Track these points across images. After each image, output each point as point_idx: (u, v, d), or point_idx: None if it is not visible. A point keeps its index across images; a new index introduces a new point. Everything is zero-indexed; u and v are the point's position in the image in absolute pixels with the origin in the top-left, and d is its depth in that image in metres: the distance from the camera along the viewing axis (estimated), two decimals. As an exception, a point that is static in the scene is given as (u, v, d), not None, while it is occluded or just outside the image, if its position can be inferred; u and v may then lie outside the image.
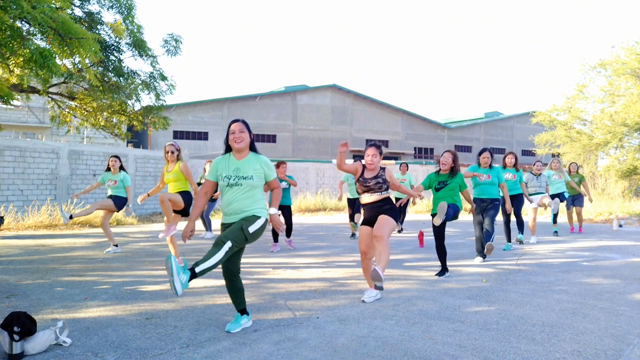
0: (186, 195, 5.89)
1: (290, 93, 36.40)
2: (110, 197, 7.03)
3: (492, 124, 44.60)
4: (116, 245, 7.15)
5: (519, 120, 44.65)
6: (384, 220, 4.24)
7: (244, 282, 5.02)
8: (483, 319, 3.69)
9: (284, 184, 7.38)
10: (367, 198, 4.37)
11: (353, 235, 8.92)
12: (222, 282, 4.96)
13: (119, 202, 7.06)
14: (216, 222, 11.12)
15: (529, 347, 3.09)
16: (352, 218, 8.88)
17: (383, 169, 4.44)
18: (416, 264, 6.14)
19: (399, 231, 9.86)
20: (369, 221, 4.36)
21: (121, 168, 7.18)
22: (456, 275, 5.47)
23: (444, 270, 5.40)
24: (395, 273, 5.51)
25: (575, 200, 9.89)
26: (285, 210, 7.52)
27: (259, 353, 2.98)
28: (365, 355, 2.95)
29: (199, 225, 10.39)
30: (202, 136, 33.68)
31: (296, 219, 14.12)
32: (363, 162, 4.49)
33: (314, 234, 10.08)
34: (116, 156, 7.18)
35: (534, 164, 8.47)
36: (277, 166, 7.32)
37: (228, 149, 3.54)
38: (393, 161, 18.81)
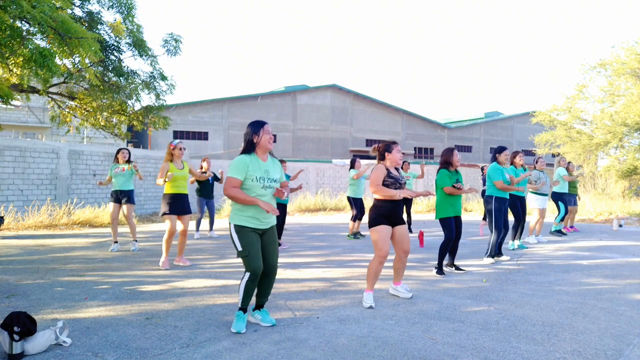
0: (187, 199, 6.09)
1: (290, 93, 36.37)
2: (119, 193, 7.13)
3: (492, 124, 44.59)
4: (116, 242, 7.30)
5: (519, 120, 44.63)
6: (408, 232, 4.34)
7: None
8: (483, 319, 3.69)
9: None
10: (401, 194, 4.23)
11: (355, 235, 8.85)
12: (222, 282, 4.98)
13: (132, 195, 7.28)
14: (220, 221, 11.10)
15: (529, 347, 3.09)
16: (357, 218, 8.82)
17: (397, 168, 4.46)
18: (416, 264, 6.14)
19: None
20: (391, 220, 4.18)
21: (128, 161, 7.31)
22: (456, 275, 5.47)
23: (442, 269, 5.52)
24: (395, 273, 5.50)
25: (574, 199, 10.01)
26: (281, 208, 7.47)
27: (259, 353, 2.98)
28: (365, 355, 2.95)
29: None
30: (202, 136, 33.66)
31: (296, 218, 14.11)
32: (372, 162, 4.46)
33: (314, 234, 10.07)
34: (127, 149, 7.39)
35: (537, 162, 8.40)
36: None
37: (250, 148, 3.47)
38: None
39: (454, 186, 5.41)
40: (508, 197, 6.37)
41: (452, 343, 3.16)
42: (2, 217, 9.38)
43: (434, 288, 4.78)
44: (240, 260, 3.52)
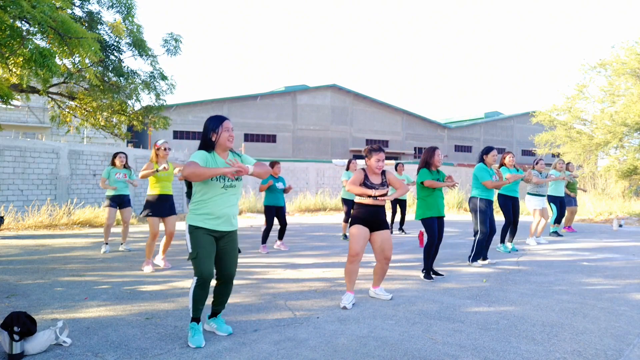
0: (172, 200, 5.97)
1: (290, 93, 36.38)
2: (119, 198, 7.28)
3: (492, 124, 44.61)
4: (107, 244, 7.26)
5: (519, 120, 44.66)
6: (390, 238, 4.25)
7: (244, 282, 5.04)
8: (483, 319, 3.69)
9: (279, 185, 7.29)
10: (373, 202, 4.16)
11: (345, 236, 8.85)
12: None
13: (130, 199, 7.46)
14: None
15: (529, 347, 3.09)
16: (347, 220, 8.80)
17: (384, 172, 4.29)
18: (416, 264, 6.13)
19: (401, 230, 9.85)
20: (369, 224, 4.16)
21: (125, 166, 7.40)
22: (456, 275, 5.47)
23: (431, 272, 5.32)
24: (395, 273, 5.51)
25: (574, 199, 10.01)
26: (280, 211, 7.38)
27: (259, 353, 2.98)
28: (365, 355, 2.95)
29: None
30: (202, 136, 33.67)
31: (296, 218, 14.12)
32: (357, 165, 4.35)
33: (314, 234, 10.08)
34: (124, 152, 7.46)
35: (537, 162, 8.34)
36: (272, 166, 7.27)
37: (208, 146, 3.20)
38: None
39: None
40: (492, 199, 6.09)
41: (452, 343, 3.17)
42: (2, 217, 9.38)
43: (434, 288, 4.78)
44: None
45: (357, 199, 4.24)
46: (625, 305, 4.11)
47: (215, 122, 3.19)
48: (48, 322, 3.52)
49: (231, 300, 4.27)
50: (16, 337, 2.85)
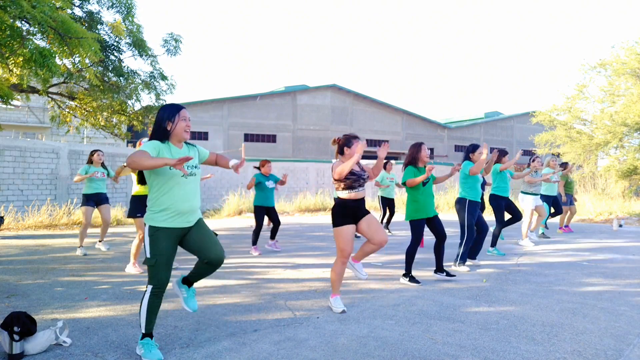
0: None
1: (290, 93, 36.37)
2: (97, 196, 7.03)
3: (492, 124, 44.59)
4: (81, 247, 6.99)
5: (519, 120, 44.63)
6: (377, 220, 4.08)
7: (244, 282, 5.04)
8: (483, 319, 3.69)
9: (270, 184, 7.15)
10: (362, 193, 3.95)
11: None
12: (222, 282, 4.98)
13: (106, 198, 7.21)
14: (218, 221, 11.07)
15: (529, 347, 3.09)
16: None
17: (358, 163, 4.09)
18: (416, 263, 6.13)
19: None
20: (353, 217, 3.95)
21: (103, 164, 7.12)
22: (456, 275, 5.46)
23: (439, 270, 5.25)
24: (395, 273, 5.51)
25: (570, 199, 10.02)
26: (271, 211, 7.24)
27: (259, 353, 2.98)
28: (365, 355, 2.95)
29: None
30: (202, 136, 33.66)
31: (296, 218, 14.12)
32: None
33: (314, 234, 10.08)
34: (101, 150, 7.19)
35: (533, 160, 8.26)
36: (262, 165, 7.17)
37: (162, 136, 2.95)
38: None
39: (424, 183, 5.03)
40: (479, 200, 5.88)
41: (452, 343, 3.17)
42: (2, 217, 9.38)
43: (434, 288, 4.78)
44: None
45: (340, 194, 3.94)
46: (625, 305, 4.11)
47: (171, 111, 2.95)
48: (48, 322, 3.52)
49: (231, 300, 4.28)
50: (16, 337, 2.85)
